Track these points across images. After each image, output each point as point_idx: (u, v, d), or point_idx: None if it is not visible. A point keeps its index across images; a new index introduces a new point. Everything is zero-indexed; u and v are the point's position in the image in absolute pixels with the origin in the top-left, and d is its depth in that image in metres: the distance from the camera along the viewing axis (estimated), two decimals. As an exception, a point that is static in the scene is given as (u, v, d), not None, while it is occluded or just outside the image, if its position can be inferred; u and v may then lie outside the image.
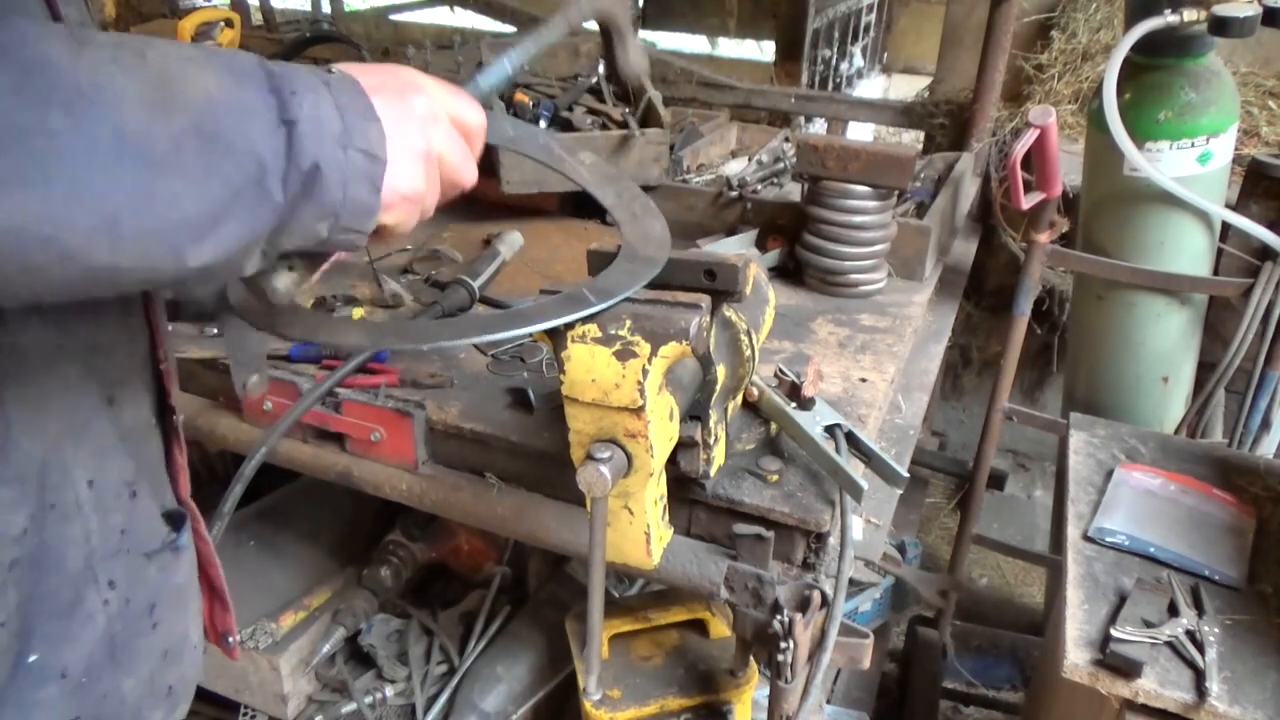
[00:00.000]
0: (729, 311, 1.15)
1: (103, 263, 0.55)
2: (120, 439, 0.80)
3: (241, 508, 1.45)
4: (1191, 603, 1.34)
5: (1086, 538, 1.49)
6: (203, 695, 1.75)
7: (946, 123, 2.75)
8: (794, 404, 1.25)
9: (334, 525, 1.89)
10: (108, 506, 0.78)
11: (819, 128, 3.90)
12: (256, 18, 3.99)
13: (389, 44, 3.85)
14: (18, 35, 0.52)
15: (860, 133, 4.38)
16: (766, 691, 1.19)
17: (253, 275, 0.71)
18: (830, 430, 1.25)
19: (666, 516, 1.13)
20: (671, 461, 1.12)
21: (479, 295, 1.67)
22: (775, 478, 1.23)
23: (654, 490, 1.07)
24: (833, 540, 1.21)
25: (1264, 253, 1.91)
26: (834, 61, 4.72)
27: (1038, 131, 1.79)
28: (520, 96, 2.19)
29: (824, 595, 1.13)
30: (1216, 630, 1.29)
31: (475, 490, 1.37)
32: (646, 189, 1.99)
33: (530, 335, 0.97)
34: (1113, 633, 1.26)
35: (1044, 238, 2.03)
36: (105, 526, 0.78)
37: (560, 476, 1.31)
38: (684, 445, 1.12)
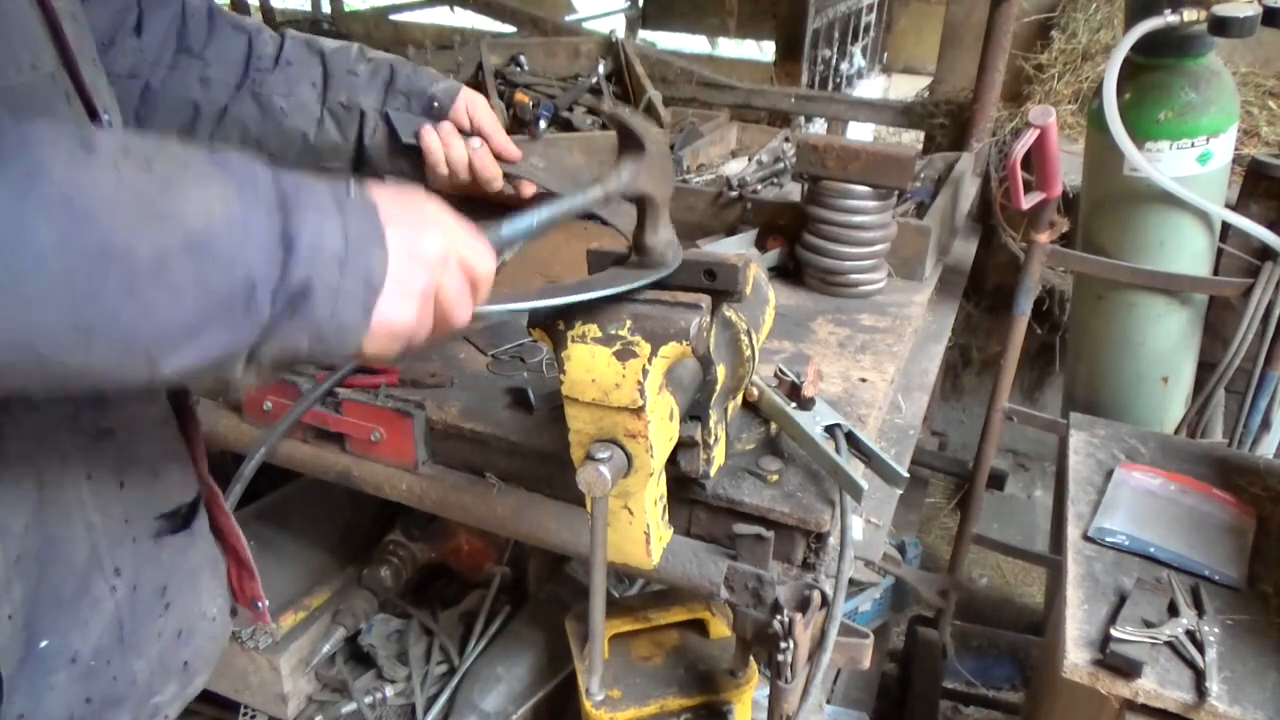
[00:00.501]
0: (729, 311, 1.15)
1: (74, 367, 0.56)
2: (127, 428, 0.82)
3: (241, 508, 1.46)
4: (1191, 603, 1.34)
5: (1086, 538, 1.49)
6: (203, 695, 1.75)
7: (946, 123, 2.75)
8: (794, 404, 1.25)
9: (334, 525, 1.89)
10: (108, 497, 0.79)
11: (819, 128, 3.90)
12: (256, 17, 3.99)
13: (389, 44, 3.85)
14: (20, 142, 0.53)
15: (860, 133, 4.38)
16: (766, 691, 1.19)
17: None
18: (830, 430, 1.25)
19: (666, 516, 1.13)
20: (671, 461, 1.12)
21: (479, 295, 1.67)
22: (775, 478, 1.23)
23: (654, 490, 1.07)
24: (833, 540, 1.21)
25: (1264, 253, 1.91)
26: (834, 61, 4.72)
27: (1038, 131, 1.79)
28: (520, 97, 2.19)
29: (824, 595, 1.13)
30: (1216, 630, 1.29)
31: (475, 490, 1.37)
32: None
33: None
34: (1113, 633, 1.26)
35: (1044, 238, 2.03)
36: (108, 517, 0.79)
37: (560, 476, 1.31)
38: (684, 445, 1.12)
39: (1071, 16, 2.98)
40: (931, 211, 1.99)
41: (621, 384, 0.95)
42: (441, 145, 1.22)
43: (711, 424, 1.13)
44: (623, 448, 1.00)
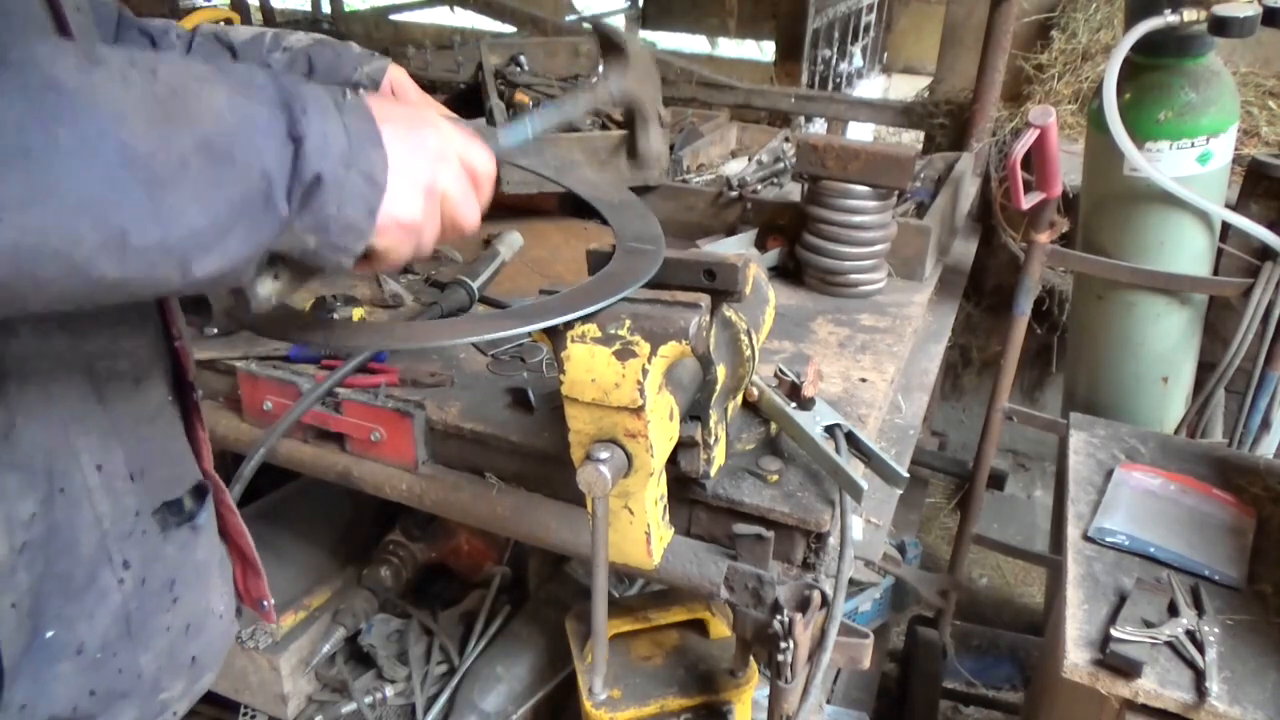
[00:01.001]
0: (729, 311, 1.15)
1: (111, 275, 0.57)
2: (132, 420, 0.82)
3: (241, 508, 1.45)
4: (1191, 603, 1.34)
5: (1086, 538, 1.49)
6: (203, 695, 1.75)
7: (946, 123, 2.75)
8: (794, 404, 1.25)
9: (334, 525, 1.89)
10: (118, 489, 0.79)
11: (819, 128, 3.90)
12: (256, 17, 3.99)
13: (389, 44, 3.85)
14: (30, 58, 0.54)
15: (860, 133, 4.38)
16: (766, 691, 1.19)
17: None
18: (830, 430, 1.24)
19: (667, 516, 1.13)
20: (671, 461, 1.12)
21: (478, 295, 1.67)
22: (775, 478, 1.23)
23: (654, 490, 1.07)
24: (833, 540, 1.21)
25: (1264, 253, 1.91)
26: (834, 61, 4.73)
27: (1038, 131, 1.79)
28: (520, 97, 2.19)
29: (824, 595, 1.13)
30: (1216, 630, 1.29)
31: (475, 490, 1.37)
32: (646, 189, 2.01)
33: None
34: (1113, 633, 1.26)
35: (1044, 238, 2.03)
36: (117, 509, 0.79)
37: (560, 476, 1.31)
38: (684, 445, 1.12)
39: (1071, 16, 2.98)
40: (931, 211, 1.99)
41: (621, 384, 0.95)
42: None
43: (711, 424, 1.13)
44: (623, 448, 1.00)
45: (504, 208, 2.16)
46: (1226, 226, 1.94)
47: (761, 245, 1.96)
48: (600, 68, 2.32)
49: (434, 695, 1.71)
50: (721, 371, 1.11)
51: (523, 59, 2.40)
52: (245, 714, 1.74)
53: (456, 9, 4.47)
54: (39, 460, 0.72)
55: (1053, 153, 1.84)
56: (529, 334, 0.93)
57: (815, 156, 1.77)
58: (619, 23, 6.64)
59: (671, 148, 2.26)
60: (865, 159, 1.73)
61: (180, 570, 0.87)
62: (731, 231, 2.01)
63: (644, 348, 0.94)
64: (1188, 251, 1.97)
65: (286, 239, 0.65)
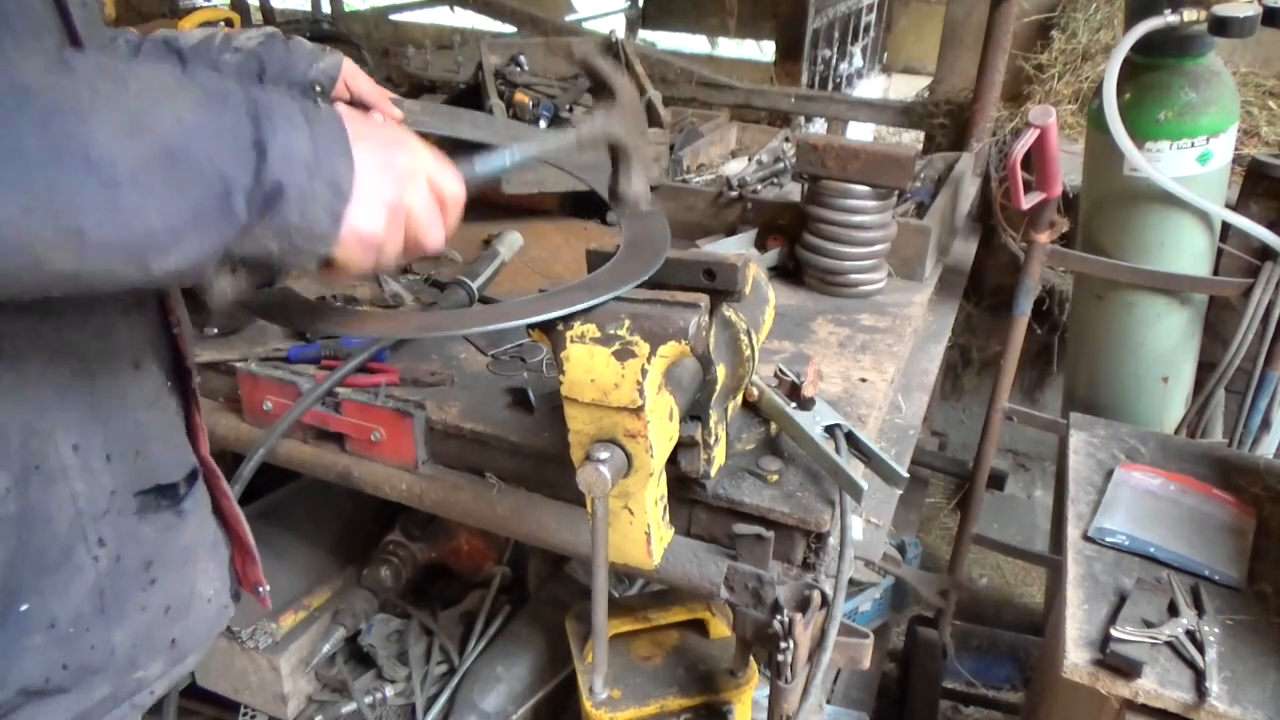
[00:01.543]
0: (729, 311, 1.15)
1: (67, 270, 0.60)
2: (124, 404, 0.83)
3: (241, 507, 1.45)
4: (1191, 603, 1.34)
5: (1086, 538, 1.49)
6: (203, 695, 1.76)
7: (946, 123, 2.75)
8: (794, 404, 1.25)
9: (334, 525, 1.89)
10: (94, 469, 0.80)
11: (819, 128, 3.90)
12: (256, 17, 3.99)
13: (389, 44, 3.85)
14: (1, 61, 0.56)
15: (860, 133, 4.38)
16: (766, 691, 1.19)
17: None
18: (830, 430, 1.24)
19: (667, 516, 1.13)
20: (672, 461, 1.12)
21: (478, 295, 1.67)
22: (775, 478, 1.23)
23: (654, 490, 1.07)
24: (833, 540, 1.21)
25: (1264, 253, 1.91)
26: (834, 61, 4.73)
27: (1038, 131, 1.79)
28: (520, 97, 2.19)
29: (824, 595, 1.13)
30: (1216, 630, 1.29)
31: (475, 490, 1.37)
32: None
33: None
34: (1113, 633, 1.26)
35: (1044, 238, 2.03)
36: (93, 488, 0.80)
37: (560, 476, 1.31)
38: (684, 445, 1.12)
39: (1071, 16, 2.98)
40: (931, 211, 1.99)
41: (620, 384, 0.95)
42: None
43: (711, 424, 1.13)
44: (622, 448, 1.00)
45: (504, 208, 2.17)
46: (1226, 226, 1.94)
47: (761, 245, 1.96)
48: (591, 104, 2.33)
49: (434, 695, 1.71)
50: (721, 371, 1.11)
51: (523, 59, 2.40)
52: (245, 714, 1.74)
53: (456, 9, 4.46)
54: (14, 438, 0.74)
55: (1053, 153, 1.84)
56: (562, 318, 0.93)
57: (815, 156, 1.77)
58: (619, 23, 6.64)
59: (671, 148, 2.26)
60: (865, 159, 1.73)
61: (160, 552, 0.88)
62: (731, 231, 2.01)
63: (643, 348, 0.94)
64: (1188, 251, 1.97)
65: (250, 243, 0.67)
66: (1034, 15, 3.01)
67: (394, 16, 4.79)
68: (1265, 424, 2.03)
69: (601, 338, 0.95)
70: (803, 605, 1.12)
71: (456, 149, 0.94)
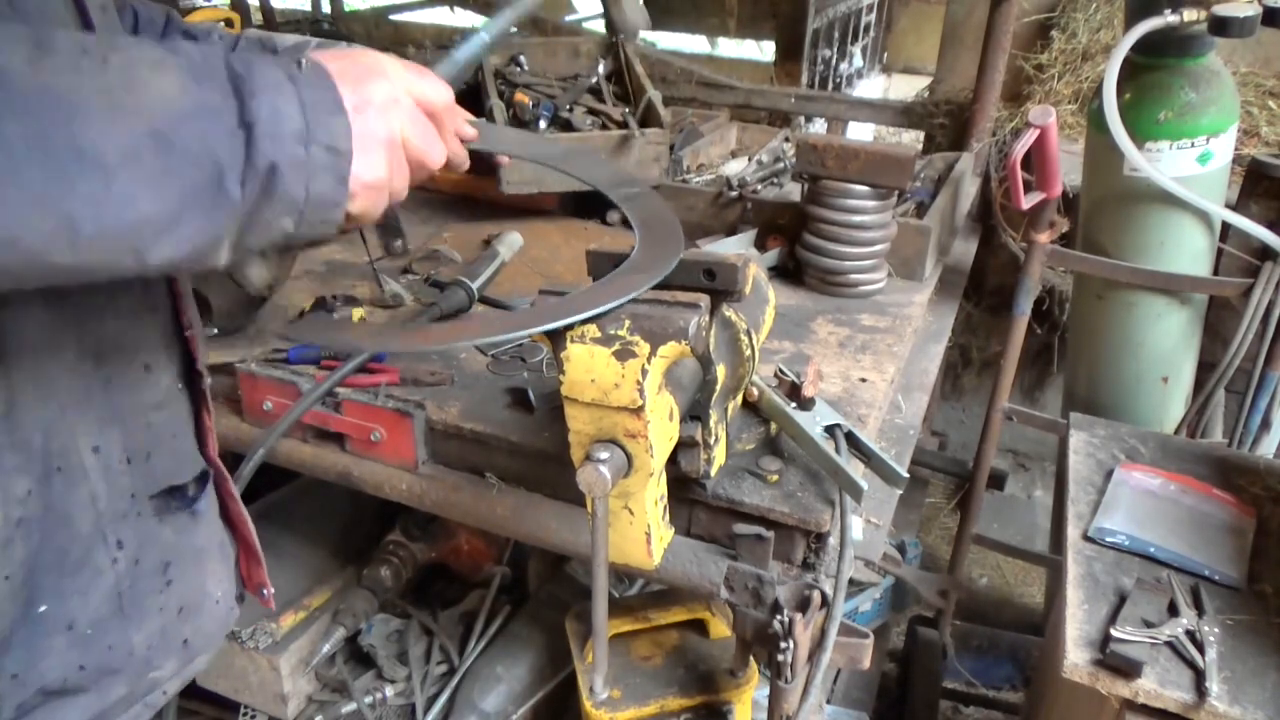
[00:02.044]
0: (729, 311, 1.15)
1: (64, 261, 0.58)
2: (138, 406, 0.83)
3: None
4: (1191, 603, 1.34)
5: (1086, 538, 1.49)
6: (203, 695, 1.75)
7: (946, 123, 2.75)
8: (794, 404, 1.25)
9: (334, 525, 1.89)
10: (114, 471, 0.80)
11: (819, 128, 3.90)
12: (256, 17, 3.99)
13: (389, 44, 3.85)
14: None
15: (860, 133, 4.38)
16: (766, 691, 1.19)
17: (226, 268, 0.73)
18: (830, 430, 1.24)
19: (667, 516, 1.13)
20: (672, 461, 1.12)
21: (478, 296, 1.67)
22: (775, 478, 1.23)
23: (654, 490, 1.06)
24: (833, 540, 1.21)
25: (1264, 253, 1.91)
26: (834, 61, 4.73)
27: (1038, 131, 1.79)
28: (520, 97, 2.19)
29: (824, 595, 1.13)
30: (1216, 630, 1.29)
31: (475, 490, 1.37)
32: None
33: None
34: (1113, 633, 1.26)
35: (1044, 238, 2.03)
36: (113, 490, 0.80)
37: (560, 476, 1.30)
38: (684, 445, 1.12)
39: (1071, 16, 2.98)
40: (931, 211, 1.99)
41: (621, 384, 0.95)
42: None
43: (711, 424, 1.13)
44: (623, 448, 0.99)
45: (504, 208, 2.17)
46: (1226, 226, 1.94)
47: (761, 245, 1.96)
48: (600, 65, 2.33)
49: (434, 695, 1.71)
50: (721, 371, 1.11)
51: (523, 59, 2.40)
52: (245, 714, 1.74)
53: (456, 9, 4.47)
54: (37, 439, 0.74)
55: (1053, 153, 1.84)
56: (571, 324, 0.93)
57: (815, 156, 1.77)
58: (619, 23, 6.63)
59: (671, 148, 2.26)
60: (865, 159, 1.73)
61: (176, 553, 0.89)
62: (731, 231, 2.01)
63: (643, 348, 0.94)
64: (1188, 251, 1.97)
65: (263, 229, 0.66)
66: (1034, 15, 3.01)
67: (394, 16, 4.79)
68: (1265, 424, 2.03)
69: (601, 338, 0.95)
70: (803, 605, 1.12)
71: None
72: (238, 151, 0.62)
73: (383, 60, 0.76)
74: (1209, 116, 1.83)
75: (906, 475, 1.25)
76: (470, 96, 2.32)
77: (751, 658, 1.33)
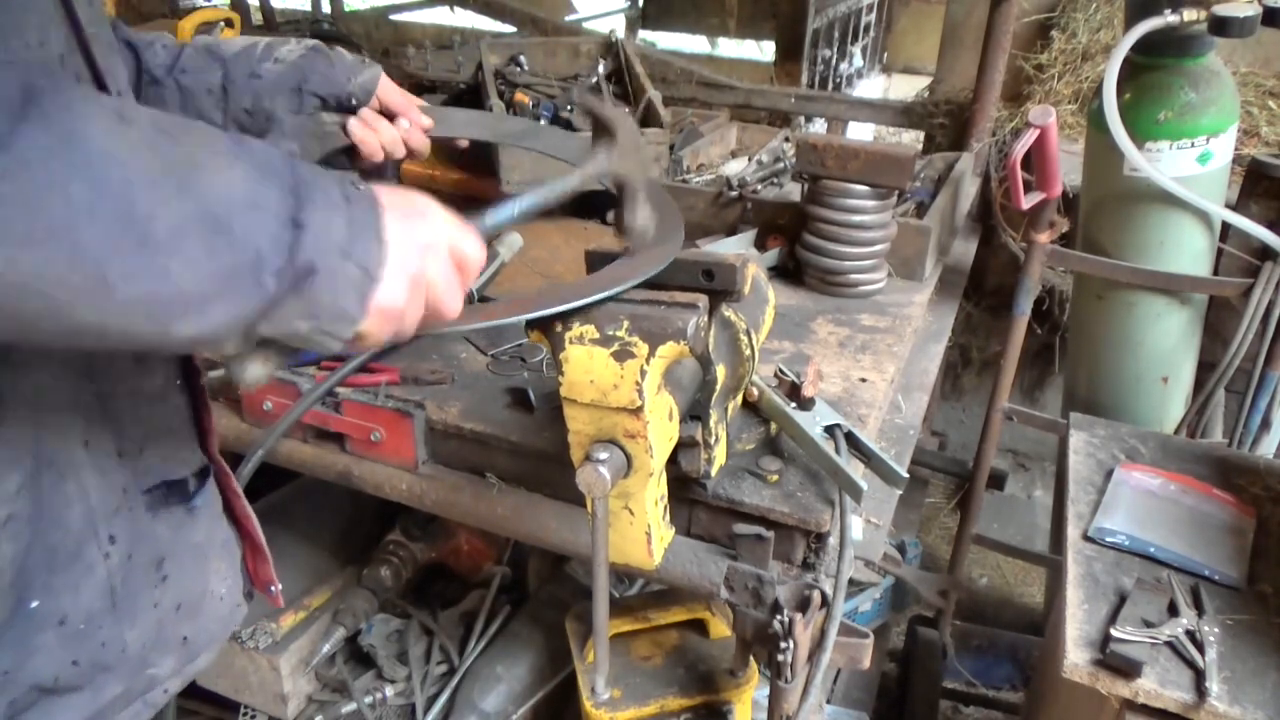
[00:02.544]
0: (728, 311, 1.15)
1: (90, 322, 0.59)
2: (132, 401, 0.84)
3: (242, 508, 1.46)
4: (1191, 603, 1.34)
5: (1086, 538, 1.49)
6: (203, 695, 1.75)
7: (946, 123, 2.75)
8: (794, 404, 1.25)
9: (334, 525, 1.89)
10: (105, 467, 0.81)
11: (819, 128, 3.90)
12: (257, 17, 3.99)
13: (389, 44, 3.86)
14: (64, 102, 0.56)
15: (860, 133, 4.38)
16: (766, 691, 1.19)
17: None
18: (830, 430, 1.24)
19: (667, 516, 1.13)
20: (672, 461, 1.12)
21: (478, 296, 1.67)
22: (775, 478, 1.23)
23: (654, 490, 1.07)
24: (833, 540, 1.21)
25: (1264, 253, 1.91)
26: (834, 61, 4.73)
27: (1038, 131, 1.79)
28: (520, 97, 2.19)
29: (824, 595, 1.13)
30: (1216, 630, 1.29)
31: (475, 490, 1.37)
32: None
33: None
34: (1113, 633, 1.26)
35: (1044, 238, 2.03)
36: (104, 485, 0.80)
37: (560, 476, 1.31)
38: (684, 445, 1.12)
39: (1071, 16, 2.98)
40: (931, 211, 1.99)
41: (620, 384, 0.95)
42: (372, 132, 1.25)
43: (711, 424, 1.13)
44: (622, 448, 1.00)
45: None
46: (1226, 226, 1.94)
47: (761, 245, 1.96)
48: (600, 65, 2.33)
49: (434, 695, 1.71)
50: (721, 371, 1.11)
51: (523, 59, 2.40)
52: (245, 714, 1.74)
53: (456, 9, 4.47)
54: (27, 436, 0.74)
55: (1053, 153, 1.84)
56: (586, 305, 0.94)
57: (815, 156, 1.77)
58: (619, 23, 6.64)
59: (671, 148, 2.26)
60: (865, 158, 1.73)
61: (171, 549, 0.88)
62: (731, 231, 2.01)
63: (642, 348, 0.94)
64: (1188, 251, 1.97)
65: (279, 322, 0.67)
66: (1034, 15, 3.01)
67: (394, 16, 4.79)
68: (1265, 424, 2.03)
69: (600, 338, 0.95)
70: (803, 605, 1.12)
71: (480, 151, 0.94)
72: (284, 246, 0.64)
73: (432, 205, 0.79)
74: (1209, 116, 1.83)
75: (906, 475, 1.25)
76: (470, 97, 2.32)
77: (751, 658, 1.33)
